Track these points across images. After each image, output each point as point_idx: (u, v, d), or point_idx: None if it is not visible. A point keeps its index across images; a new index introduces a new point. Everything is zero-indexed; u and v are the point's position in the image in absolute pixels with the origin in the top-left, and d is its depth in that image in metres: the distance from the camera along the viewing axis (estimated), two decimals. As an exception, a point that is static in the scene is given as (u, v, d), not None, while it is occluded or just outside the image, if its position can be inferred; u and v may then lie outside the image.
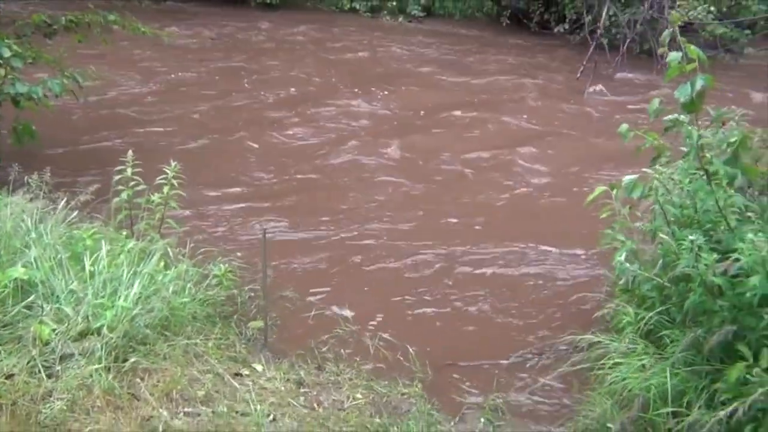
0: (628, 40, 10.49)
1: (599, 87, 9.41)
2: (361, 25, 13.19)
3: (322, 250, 4.74)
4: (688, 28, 10.68)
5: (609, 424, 2.97)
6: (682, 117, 2.80)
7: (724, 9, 10.68)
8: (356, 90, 8.74)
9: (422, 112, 8.07)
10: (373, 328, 3.86)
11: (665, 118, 2.88)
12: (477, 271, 4.57)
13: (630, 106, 8.60)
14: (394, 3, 14.07)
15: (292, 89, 8.72)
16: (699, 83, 3.20)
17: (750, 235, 2.40)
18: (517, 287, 4.38)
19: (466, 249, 4.82)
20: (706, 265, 2.54)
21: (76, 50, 6.55)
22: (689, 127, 2.73)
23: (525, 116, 8.12)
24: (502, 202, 5.73)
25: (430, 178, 6.13)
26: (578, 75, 9.85)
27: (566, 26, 12.09)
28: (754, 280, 2.41)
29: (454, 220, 5.30)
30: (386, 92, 8.79)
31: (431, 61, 10.79)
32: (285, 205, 5.46)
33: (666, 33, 3.37)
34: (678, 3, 9.42)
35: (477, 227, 5.20)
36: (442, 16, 14.34)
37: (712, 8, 10.14)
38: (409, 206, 5.55)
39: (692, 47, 3.27)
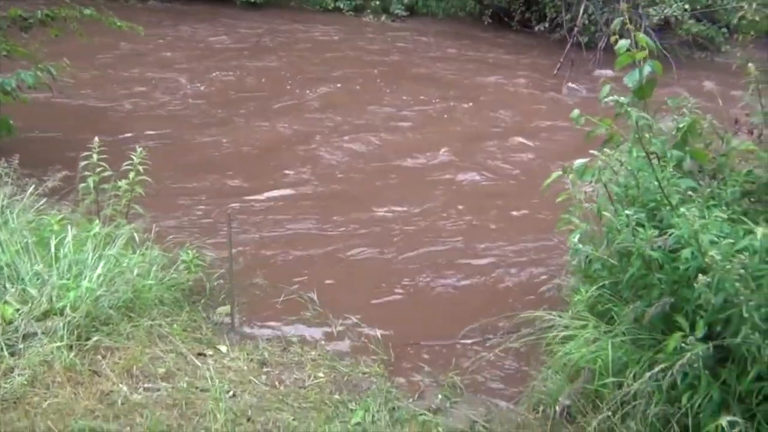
0: (605, 38, 10.63)
1: (576, 84, 9.56)
2: (356, 25, 13.30)
3: (297, 242, 4.81)
4: (665, 28, 10.91)
5: (560, 398, 3.08)
6: (621, 99, 2.90)
7: (698, 7, 10.82)
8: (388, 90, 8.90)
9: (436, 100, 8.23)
10: (339, 312, 3.93)
11: (605, 99, 2.98)
12: (449, 259, 4.66)
13: (602, 106, 8.74)
14: (378, 2, 14.14)
15: (338, 84, 8.88)
16: (647, 69, 3.33)
17: (683, 209, 2.51)
18: (485, 272, 4.47)
19: (439, 238, 4.92)
20: (642, 239, 2.65)
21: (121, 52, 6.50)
22: (629, 109, 2.84)
23: (503, 111, 8.25)
24: (480, 193, 5.85)
25: (406, 172, 6.24)
26: (555, 72, 9.99)
27: (546, 25, 12.22)
28: (686, 252, 2.52)
29: (434, 210, 5.40)
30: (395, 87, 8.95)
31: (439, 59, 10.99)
32: (278, 197, 5.55)
33: (616, 21, 3.49)
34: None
35: (453, 217, 5.30)
36: (425, 15, 14.44)
37: (687, 6, 10.30)
38: (390, 197, 5.64)
39: (641, 35, 3.38)
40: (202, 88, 8.45)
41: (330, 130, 7.17)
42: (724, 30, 11.29)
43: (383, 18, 13.94)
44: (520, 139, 7.19)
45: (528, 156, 6.73)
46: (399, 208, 5.37)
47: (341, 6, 14.31)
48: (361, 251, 4.70)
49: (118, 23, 6.38)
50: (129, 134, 6.51)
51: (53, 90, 5.65)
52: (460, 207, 5.46)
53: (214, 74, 9.00)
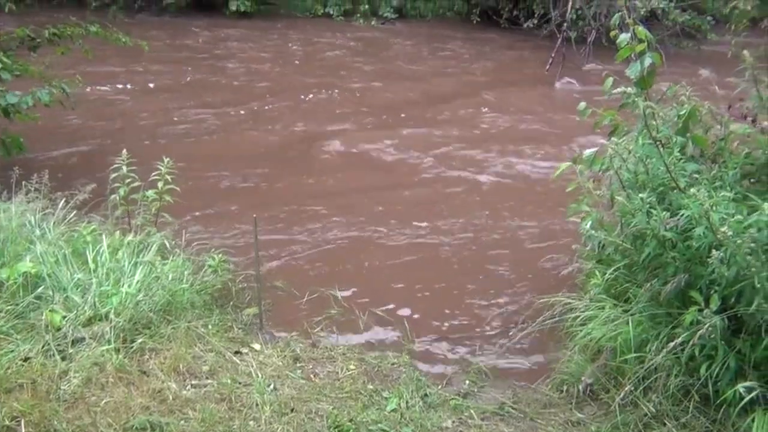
0: (594, 32, 10.86)
1: (568, 78, 9.77)
2: (345, 30, 13.49)
3: (315, 242, 4.95)
4: (652, 20, 11.14)
5: (582, 377, 3.25)
6: (629, 89, 3.08)
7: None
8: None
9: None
10: (363, 307, 4.08)
11: (615, 90, 3.16)
12: (460, 250, 4.85)
13: (596, 98, 8.94)
14: (366, 6, 14.35)
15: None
16: (647, 61, 3.51)
17: (692, 190, 2.68)
18: (496, 262, 4.66)
19: (449, 230, 5.11)
20: (656, 221, 2.82)
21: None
22: (636, 99, 3.02)
23: (499, 108, 8.43)
24: (485, 187, 6.04)
25: (414, 170, 6.41)
26: (547, 67, 10.19)
27: (535, 21, 12.41)
28: (699, 230, 2.69)
29: (436, 207, 5.57)
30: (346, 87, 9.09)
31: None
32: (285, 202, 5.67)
33: (616, 16, 3.68)
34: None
35: (459, 211, 5.48)
36: (414, 17, 14.65)
37: (673, -3, 10.55)
38: (394, 195, 5.81)
39: (640, 28, 3.57)
40: (208, 97, 8.58)
41: (341, 132, 7.37)
42: (710, 19, 11.55)
43: (373, 22, 14.15)
44: (516, 134, 7.40)
45: (528, 150, 6.91)
46: (411, 206, 5.53)
47: (331, 12, 14.51)
48: (378, 246, 4.87)
49: (123, 39, 6.50)
50: (142, 144, 6.65)
51: (67, 106, 5.74)
52: (468, 200, 5.65)
53: (217, 80, 9.14)
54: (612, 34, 3.65)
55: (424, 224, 5.16)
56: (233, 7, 13.78)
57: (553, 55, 10.28)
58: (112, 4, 13.71)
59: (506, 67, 10.80)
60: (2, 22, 8.95)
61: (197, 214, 5.18)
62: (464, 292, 4.28)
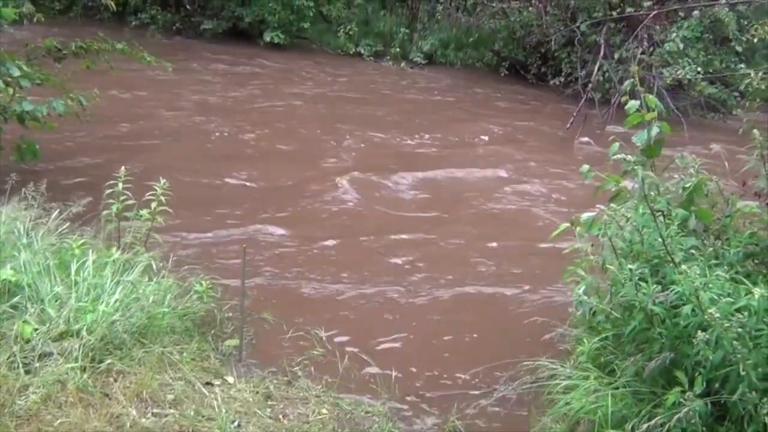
0: (618, 96, 10.84)
1: (587, 139, 9.71)
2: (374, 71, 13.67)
3: (312, 278, 4.89)
4: (678, 89, 11.12)
5: (558, 448, 3.12)
6: (629, 156, 3.02)
7: (711, 71, 11.04)
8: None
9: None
10: (345, 351, 3.98)
11: (614, 156, 3.10)
12: (455, 304, 4.74)
13: (612, 161, 8.85)
14: (397, 49, 14.53)
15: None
16: (655, 130, 3.46)
17: (684, 267, 2.59)
18: (488, 321, 4.54)
19: (446, 284, 4.98)
20: (645, 293, 2.72)
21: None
22: (636, 167, 2.95)
23: (515, 162, 8.39)
24: (487, 240, 5.92)
25: (415, 220, 6.34)
26: (568, 126, 10.17)
27: (561, 80, 12.45)
28: (687, 309, 2.59)
29: (440, 257, 5.49)
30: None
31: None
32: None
33: (627, 83, 3.64)
34: (660, 60, 9.83)
35: (460, 264, 5.37)
36: (443, 65, 14.76)
37: (700, 69, 10.52)
38: (400, 241, 5.72)
39: (650, 97, 3.53)
40: (226, 130, 8.61)
41: (344, 170, 7.35)
42: (736, 94, 11.50)
43: (402, 64, 14.30)
44: (529, 190, 7.31)
45: (535, 206, 6.83)
46: (409, 255, 5.44)
47: (362, 51, 14.71)
48: (371, 292, 4.78)
49: (148, 58, 6.60)
50: (153, 164, 6.67)
51: (81, 118, 5.81)
52: (468, 253, 5.55)
53: (238, 114, 9.23)
54: (623, 99, 3.61)
55: (418, 276, 5.05)
56: (267, 38, 14.02)
57: (575, 114, 10.26)
58: (151, 23, 14.07)
59: (527, 121, 10.77)
60: (39, 32, 9.18)
61: (193, 237, 5.16)
62: (450, 348, 4.17)
